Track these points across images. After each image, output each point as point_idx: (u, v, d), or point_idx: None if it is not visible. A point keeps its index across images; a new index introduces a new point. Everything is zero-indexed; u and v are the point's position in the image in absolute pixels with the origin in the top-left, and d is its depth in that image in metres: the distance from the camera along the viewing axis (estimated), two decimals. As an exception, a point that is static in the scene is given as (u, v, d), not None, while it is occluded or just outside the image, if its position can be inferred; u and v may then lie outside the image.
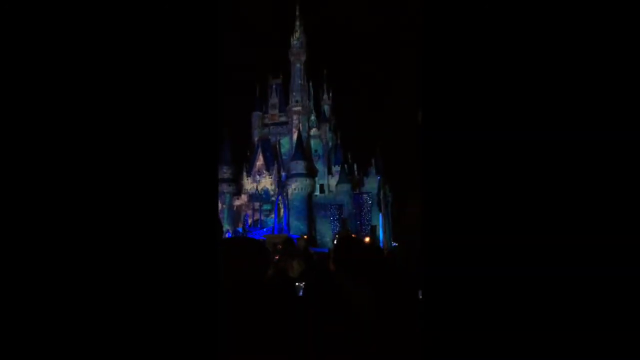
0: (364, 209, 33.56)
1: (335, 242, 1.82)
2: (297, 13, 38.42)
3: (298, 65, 37.55)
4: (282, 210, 33.36)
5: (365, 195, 33.80)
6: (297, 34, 38.07)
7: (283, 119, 37.64)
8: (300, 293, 1.92)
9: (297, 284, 2.20)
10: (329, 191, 34.99)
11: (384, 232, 34.18)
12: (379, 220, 34.06)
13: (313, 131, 37.34)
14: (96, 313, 0.90)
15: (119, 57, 0.99)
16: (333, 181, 35.44)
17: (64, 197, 0.93)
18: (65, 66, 0.97)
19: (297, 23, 38.36)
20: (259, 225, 33.37)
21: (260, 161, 35.39)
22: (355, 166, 36.33)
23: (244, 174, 35.60)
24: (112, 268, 0.92)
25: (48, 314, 0.88)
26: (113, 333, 0.90)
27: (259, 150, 35.78)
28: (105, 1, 0.98)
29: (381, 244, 29.46)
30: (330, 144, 37.71)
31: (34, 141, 0.93)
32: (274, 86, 38.80)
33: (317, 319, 1.35)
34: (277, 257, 4.39)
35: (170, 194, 0.97)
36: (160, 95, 1.00)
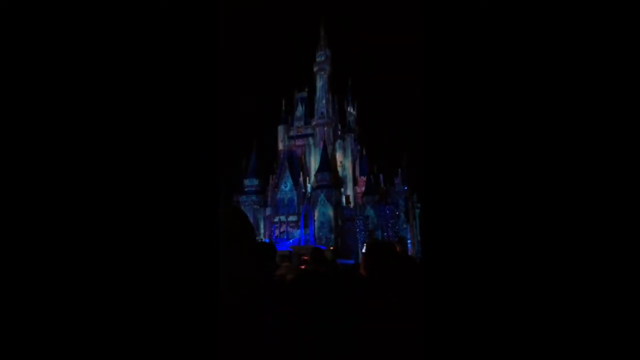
0: (391, 220, 33.03)
1: (365, 249, 1.80)
2: (322, 27, 39.08)
3: (323, 78, 37.97)
4: (308, 222, 33.38)
5: (392, 206, 33.29)
6: (321, 47, 38.63)
7: (308, 131, 37.99)
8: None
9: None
10: (355, 202, 34.75)
11: (412, 245, 33.43)
12: (407, 232, 33.37)
13: (338, 142, 37.42)
14: (96, 315, 0.89)
15: (119, 59, 0.98)
16: (359, 192, 35.19)
17: (63, 198, 0.92)
18: (65, 66, 0.96)
19: (322, 37, 38.96)
20: (285, 237, 33.50)
21: (286, 173, 35.72)
22: (381, 177, 35.98)
23: (270, 185, 36.01)
24: (112, 270, 0.91)
25: (48, 314, 0.87)
26: (113, 334, 0.89)
27: (285, 162, 36.17)
28: (105, 2, 0.98)
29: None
30: (356, 154, 37.61)
31: (32, 142, 0.93)
32: (299, 99, 39.35)
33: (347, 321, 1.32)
34: (302, 267, 4.36)
35: (170, 193, 0.96)
36: (159, 95, 0.99)
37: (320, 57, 38.47)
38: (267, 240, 30.87)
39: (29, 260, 0.88)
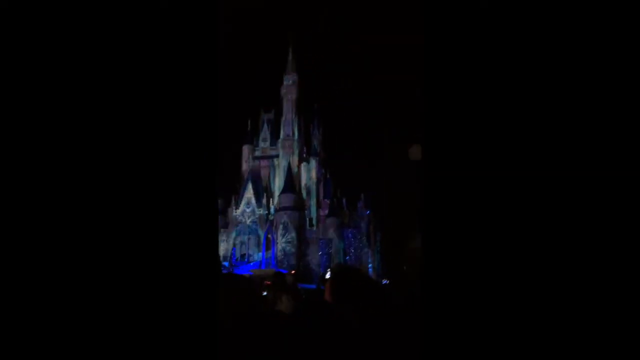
0: (353, 244, 33.25)
1: (330, 274, 1.76)
2: (290, 51, 39.96)
3: (290, 101, 38.50)
4: (270, 244, 32.80)
5: (354, 230, 33.60)
6: (289, 71, 39.37)
7: (273, 152, 38.01)
8: None
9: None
10: (318, 225, 34.73)
11: (373, 269, 33.72)
12: (368, 256, 33.68)
13: (303, 165, 37.68)
14: (95, 315, 0.89)
15: (119, 59, 0.99)
16: (322, 215, 35.28)
17: (62, 198, 0.93)
18: (65, 66, 0.97)
19: (289, 61, 39.78)
20: (245, 260, 32.61)
21: (249, 194, 35.19)
22: (344, 201, 36.43)
23: (232, 206, 35.23)
24: (110, 268, 0.91)
25: (48, 315, 0.88)
26: (112, 334, 0.89)
27: (249, 182, 35.70)
28: (106, 2, 1.00)
29: (371, 281, 28.83)
30: (320, 177, 37.95)
31: (32, 142, 0.93)
32: (265, 120, 39.48)
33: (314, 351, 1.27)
34: (264, 292, 4.18)
35: (170, 193, 0.97)
36: (159, 95, 1.00)
37: (287, 80, 39.14)
38: (226, 264, 29.85)
39: (28, 261, 0.89)
